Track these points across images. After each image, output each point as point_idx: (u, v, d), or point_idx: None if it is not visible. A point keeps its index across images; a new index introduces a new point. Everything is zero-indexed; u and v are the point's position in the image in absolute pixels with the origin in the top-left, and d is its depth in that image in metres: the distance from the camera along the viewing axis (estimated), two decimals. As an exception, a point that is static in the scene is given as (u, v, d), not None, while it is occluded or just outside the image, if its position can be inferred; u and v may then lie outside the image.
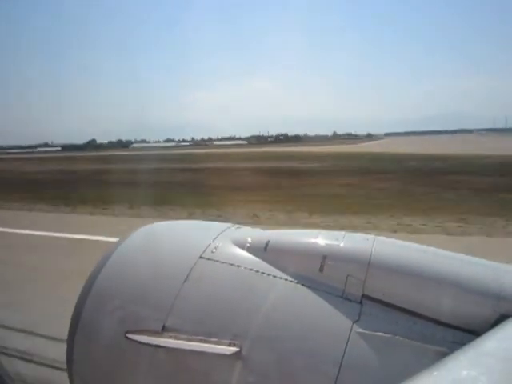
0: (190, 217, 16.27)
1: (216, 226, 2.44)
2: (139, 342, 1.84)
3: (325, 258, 1.97)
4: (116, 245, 2.28)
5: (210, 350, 1.75)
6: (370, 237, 2.15)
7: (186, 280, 1.96)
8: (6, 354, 6.01)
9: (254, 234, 2.34)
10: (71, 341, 2.01)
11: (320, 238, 2.12)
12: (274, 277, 1.96)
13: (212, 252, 2.09)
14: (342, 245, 2.03)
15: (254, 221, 15.62)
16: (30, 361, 6.02)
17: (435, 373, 1.29)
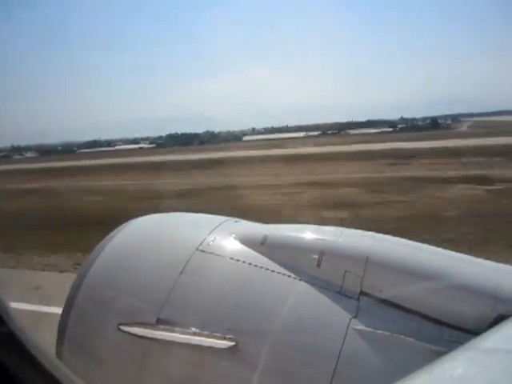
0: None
1: (213, 219, 2.42)
2: (132, 334, 1.81)
3: (322, 253, 1.96)
4: (111, 235, 2.24)
5: (205, 344, 1.73)
6: (368, 233, 2.14)
7: (181, 272, 1.93)
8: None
9: (251, 227, 2.34)
10: (62, 330, 1.97)
11: (318, 234, 2.11)
12: (271, 271, 1.94)
13: (209, 245, 2.06)
14: (339, 241, 2.03)
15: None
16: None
17: (432, 371, 1.29)
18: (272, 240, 2.07)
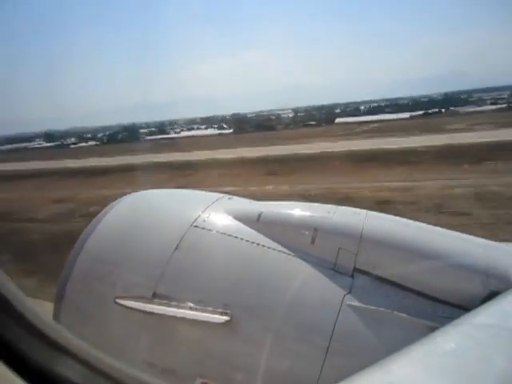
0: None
1: (208, 195, 2.42)
2: (129, 308, 1.81)
3: (316, 230, 1.99)
4: (107, 209, 2.23)
5: (201, 319, 1.74)
6: (362, 211, 2.16)
7: (176, 248, 1.94)
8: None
9: (246, 204, 2.35)
10: (59, 304, 1.97)
11: (312, 211, 2.14)
12: (266, 248, 1.96)
13: (204, 221, 2.07)
14: (333, 218, 2.05)
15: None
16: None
17: (424, 345, 1.32)
18: (267, 217, 2.09)
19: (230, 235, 2.01)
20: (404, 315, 1.70)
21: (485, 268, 1.81)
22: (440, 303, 1.77)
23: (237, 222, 2.09)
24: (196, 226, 2.04)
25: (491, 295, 1.73)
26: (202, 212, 2.12)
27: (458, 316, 1.59)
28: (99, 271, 1.97)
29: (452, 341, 1.33)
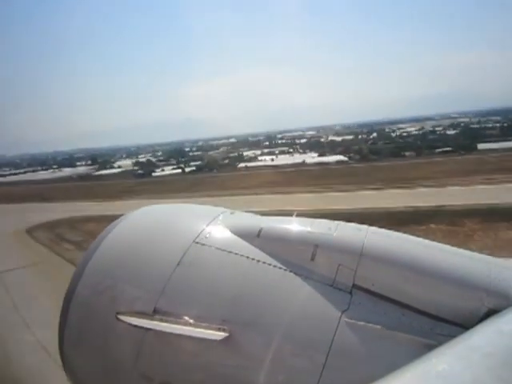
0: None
1: (210, 210, 2.44)
2: (129, 324, 1.85)
3: (317, 246, 1.99)
4: (111, 226, 2.28)
5: (200, 335, 1.77)
6: (364, 227, 2.15)
7: (179, 264, 1.98)
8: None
9: (247, 219, 2.37)
10: (64, 318, 2.03)
11: (313, 227, 2.13)
12: (266, 264, 1.98)
13: (206, 237, 2.10)
14: (334, 234, 2.05)
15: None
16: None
17: (419, 366, 1.32)
18: (267, 233, 2.10)
19: (230, 252, 2.03)
20: (402, 333, 1.69)
21: (485, 285, 1.79)
22: (439, 321, 1.76)
23: (237, 238, 2.11)
24: (198, 242, 2.07)
25: (490, 313, 1.72)
26: (204, 228, 2.16)
27: (456, 334, 1.59)
28: (104, 287, 2.01)
29: (445, 362, 1.32)
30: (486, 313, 1.73)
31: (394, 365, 1.35)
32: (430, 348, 1.50)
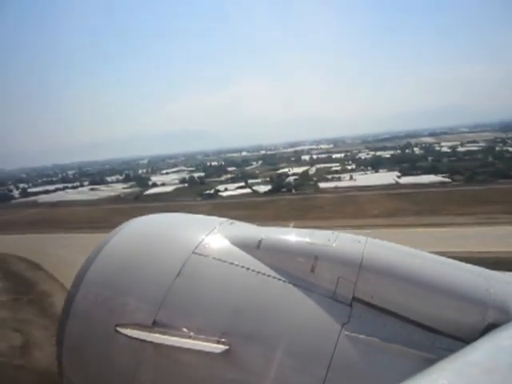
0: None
1: (210, 220, 2.44)
2: (128, 336, 1.83)
3: (316, 258, 1.96)
4: (109, 236, 2.27)
5: (199, 348, 1.75)
6: (362, 238, 2.10)
7: (178, 275, 1.96)
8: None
9: (247, 230, 2.33)
10: (61, 331, 2.02)
11: (312, 238, 2.09)
12: (266, 276, 1.96)
13: (205, 247, 2.09)
14: (334, 246, 2.01)
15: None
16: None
17: (421, 382, 1.30)
18: (267, 244, 2.08)
19: (229, 263, 2.01)
20: (402, 346, 1.66)
21: (485, 299, 1.75)
22: (438, 334, 1.72)
23: (237, 249, 2.09)
24: (197, 253, 2.06)
25: (490, 327, 1.67)
26: (203, 238, 2.14)
27: (456, 348, 1.56)
28: (102, 298, 2.00)
29: (446, 378, 1.29)
30: (486, 327, 1.68)
31: (394, 378, 1.37)
32: (429, 362, 1.48)
